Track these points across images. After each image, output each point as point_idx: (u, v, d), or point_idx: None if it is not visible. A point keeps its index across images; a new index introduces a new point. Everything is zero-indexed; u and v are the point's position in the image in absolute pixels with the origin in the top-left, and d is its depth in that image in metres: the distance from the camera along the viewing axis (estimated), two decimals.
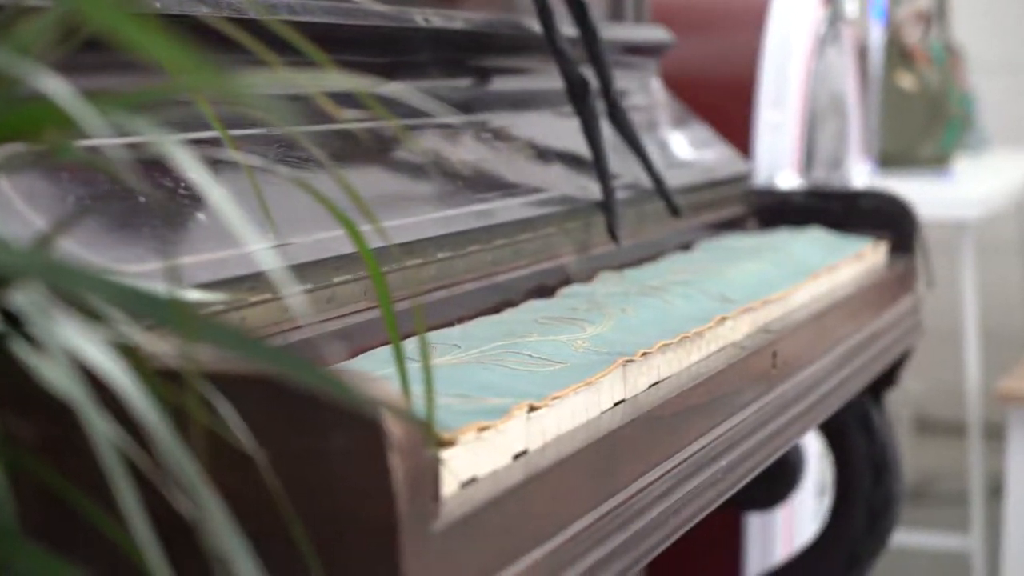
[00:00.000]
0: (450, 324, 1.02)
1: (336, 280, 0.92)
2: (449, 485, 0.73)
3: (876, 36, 3.08)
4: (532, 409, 0.82)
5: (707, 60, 1.98)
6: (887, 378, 1.67)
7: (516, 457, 0.80)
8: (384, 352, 0.93)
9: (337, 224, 0.92)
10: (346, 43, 1.13)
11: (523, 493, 0.76)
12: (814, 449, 1.95)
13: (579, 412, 0.88)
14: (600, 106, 1.37)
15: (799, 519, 2.00)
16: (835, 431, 1.68)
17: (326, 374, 0.59)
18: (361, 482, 0.64)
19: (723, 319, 1.12)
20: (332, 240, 0.92)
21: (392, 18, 1.14)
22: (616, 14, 1.65)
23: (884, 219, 1.67)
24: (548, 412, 0.84)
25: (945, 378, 3.63)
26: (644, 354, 0.97)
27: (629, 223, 1.37)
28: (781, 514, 1.96)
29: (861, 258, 1.53)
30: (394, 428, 0.64)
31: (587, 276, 1.26)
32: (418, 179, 1.09)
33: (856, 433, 1.68)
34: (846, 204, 1.68)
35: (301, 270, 0.89)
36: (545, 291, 1.19)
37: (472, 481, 0.75)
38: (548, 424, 0.84)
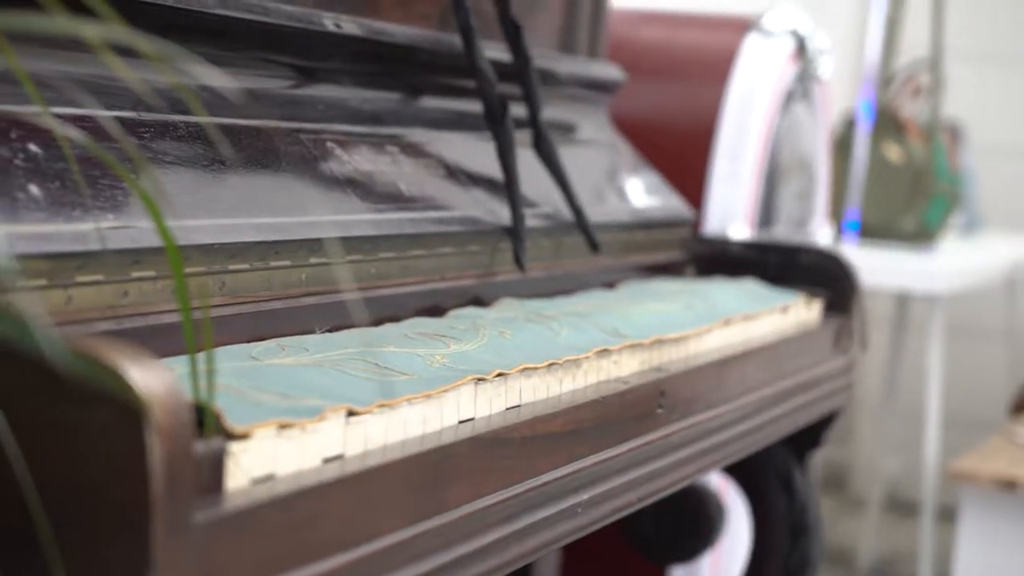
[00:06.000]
0: (311, 331, 1.00)
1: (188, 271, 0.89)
2: (236, 479, 0.70)
3: (863, 102, 3.05)
4: (352, 414, 0.79)
5: (670, 106, 1.96)
6: (812, 438, 1.64)
7: (330, 461, 0.77)
8: (234, 349, 0.90)
9: (180, 214, 0.90)
10: (249, 40, 1.10)
11: (323, 497, 0.73)
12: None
13: (414, 424, 0.85)
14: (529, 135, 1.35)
15: (727, 572, 1.97)
16: (755, 488, 1.65)
17: (76, 352, 0.57)
18: (117, 461, 0.62)
19: (604, 351, 1.09)
20: (176, 228, 0.89)
21: (299, 19, 1.12)
22: (568, 47, 1.63)
23: (822, 276, 1.64)
24: (373, 419, 0.81)
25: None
26: (500, 375, 0.94)
27: (547, 254, 1.34)
28: (707, 567, 1.92)
29: (786, 311, 1.50)
30: (157, 411, 0.62)
31: (491, 301, 1.23)
32: (297, 183, 1.07)
33: (776, 492, 1.64)
34: (784, 258, 1.65)
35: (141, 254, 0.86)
36: (438, 312, 1.16)
37: (268, 478, 0.72)
38: (373, 431, 0.81)
